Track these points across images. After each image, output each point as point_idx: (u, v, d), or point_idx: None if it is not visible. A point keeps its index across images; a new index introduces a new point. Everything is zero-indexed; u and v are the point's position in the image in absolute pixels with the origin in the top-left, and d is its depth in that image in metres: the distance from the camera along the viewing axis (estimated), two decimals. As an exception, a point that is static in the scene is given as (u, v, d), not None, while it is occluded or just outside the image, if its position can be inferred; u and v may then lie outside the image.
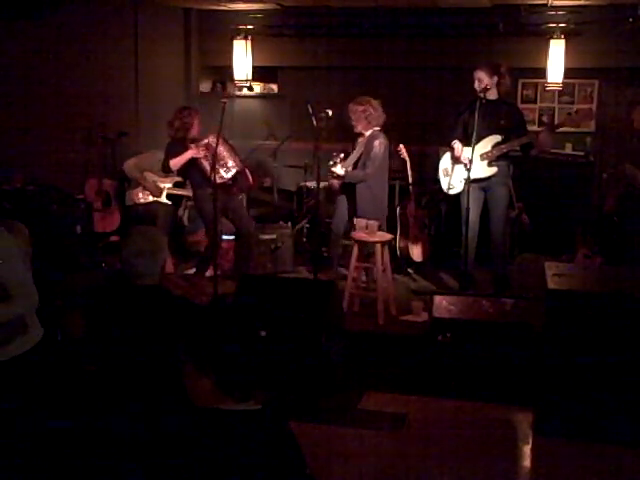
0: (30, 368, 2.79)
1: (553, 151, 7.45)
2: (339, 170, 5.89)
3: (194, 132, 5.90)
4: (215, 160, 5.57)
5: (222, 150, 5.74)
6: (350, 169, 5.94)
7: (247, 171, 6.02)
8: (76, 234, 5.95)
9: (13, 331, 2.80)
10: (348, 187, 6.00)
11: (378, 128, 5.92)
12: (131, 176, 6.62)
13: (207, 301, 5.25)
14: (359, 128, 5.92)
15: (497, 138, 5.60)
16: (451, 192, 5.87)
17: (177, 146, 5.90)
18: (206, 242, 6.29)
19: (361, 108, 5.84)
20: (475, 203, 5.65)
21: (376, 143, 5.83)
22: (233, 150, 5.94)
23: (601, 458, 3.75)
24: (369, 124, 5.88)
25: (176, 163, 5.88)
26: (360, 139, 5.99)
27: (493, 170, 5.64)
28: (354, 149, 6.02)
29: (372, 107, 5.85)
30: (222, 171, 5.79)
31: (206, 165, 5.77)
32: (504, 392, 4.38)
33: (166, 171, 6.07)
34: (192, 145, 5.83)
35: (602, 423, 3.88)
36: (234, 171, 5.85)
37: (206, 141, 5.79)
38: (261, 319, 2.09)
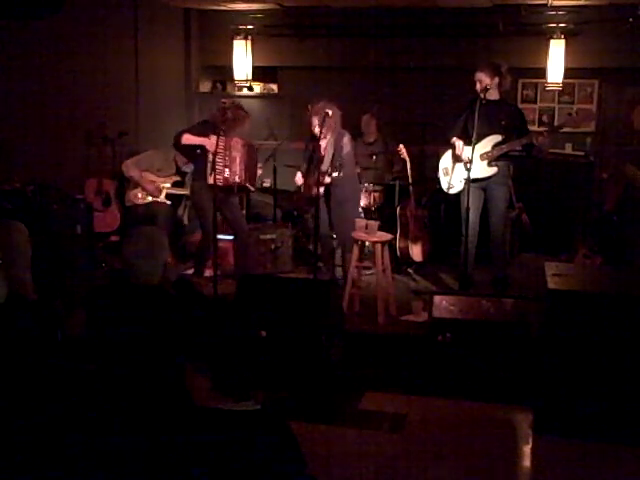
0: None
1: (553, 151, 7.46)
2: (325, 180, 5.81)
3: (234, 131, 5.83)
4: (223, 160, 5.65)
5: (237, 156, 5.76)
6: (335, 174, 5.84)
7: (248, 185, 5.94)
8: (76, 234, 5.94)
9: None
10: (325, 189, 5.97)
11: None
12: (129, 176, 6.62)
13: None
14: (327, 134, 5.81)
15: (497, 138, 5.60)
16: (451, 191, 5.87)
17: (205, 128, 5.88)
18: (201, 241, 6.27)
19: (331, 112, 5.69)
20: (475, 203, 5.65)
21: (345, 140, 5.82)
22: (248, 161, 5.85)
23: (601, 458, 3.75)
24: (337, 127, 5.84)
25: (187, 139, 5.84)
26: (323, 141, 5.85)
27: (493, 170, 5.64)
28: (313, 150, 5.91)
29: (335, 108, 5.77)
30: (226, 173, 5.78)
31: (210, 161, 5.76)
32: (504, 392, 4.38)
33: (176, 139, 5.92)
34: (213, 136, 5.73)
35: (602, 423, 3.88)
36: (235, 180, 5.80)
37: (231, 140, 5.75)
38: (261, 319, 2.09)
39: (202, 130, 5.87)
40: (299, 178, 6.09)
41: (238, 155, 5.76)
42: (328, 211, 5.99)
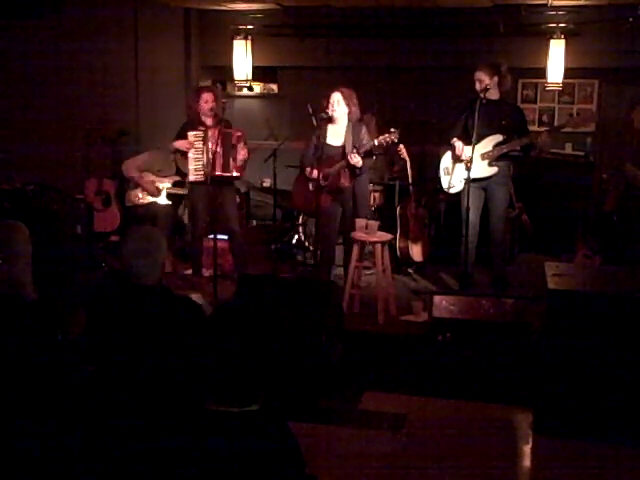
0: None
1: (553, 151, 7.47)
2: (360, 161, 5.47)
3: (205, 109, 5.85)
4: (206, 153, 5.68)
5: (212, 147, 5.73)
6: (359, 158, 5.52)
7: (222, 173, 5.81)
8: (76, 234, 5.95)
9: None
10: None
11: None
12: (129, 177, 6.62)
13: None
14: (349, 115, 5.63)
15: (498, 138, 5.60)
16: (451, 191, 5.87)
17: (183, 129, 5.96)
18: (191, 240, 6.27)
19: (354, 95, 5.65)
20: (475, 203, 5.65)
21: (364, 131, 5.65)
22: (224, 149, 5.77)
23: (601, 458, 3.75)
24: (356, 114, 5.67)
25: (179, 145, 5.97)
26: (334, 128, 5.66)
27: (493, 170, 5.63)
28: (319, 142, 5.62)
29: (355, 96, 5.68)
30: (206, 167, 5.78)
31: (189, 158, 5.85)
32: (504, 392, 4.38)
33: (175, 157, 6.16)
34: (191, 134, 5.83)
35: (602, 423, 3.88)
36: (213, 172, 5.72)
37: (207, 132, 5.78)
38: (261, 319, 2.09)
39: (184, 132, 5.94)
40: (312, 173, 5.64)
41: (213, 145, 5.75)
42: (344, 208, 5.74)
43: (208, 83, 8.92)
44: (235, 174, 5.94)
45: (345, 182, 5.61)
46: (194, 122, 5.94)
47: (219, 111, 5.92)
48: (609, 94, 7.75)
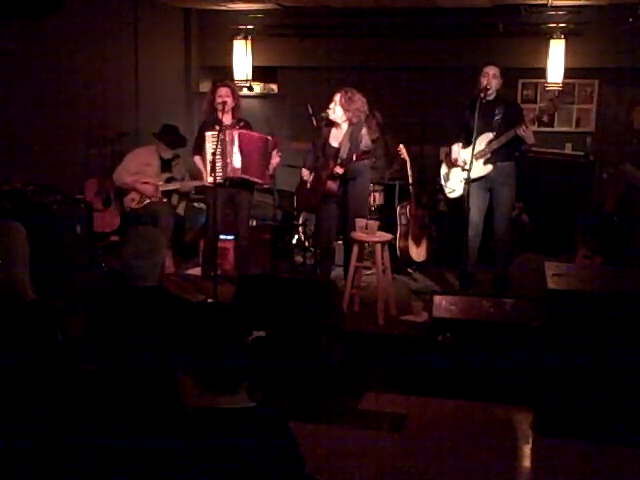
0: None
1: (553, 151, 7.46)
2: (339, 170, 5.52)
3: (217, 102, 5.66)
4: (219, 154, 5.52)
5: (232, 147, 5.59)
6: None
7: (249, 177, 5.74)
8: (76, 234, 5.93)
9: None
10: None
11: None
12: (123, 183, 6.53)
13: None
14: (351, 120, 5.58)
15: (489, 136, 5.59)
16: (452, 195, 5.87)
17: (200, 129, 5.87)
18: (206, 242, 6.23)
19: (356, 98, 5.59)
20: (479, 204, 5.65)
21: (363, 132, 5.62)
22: (247, 151, 5.67)
23: (601, 458, 3.75)
24: (356, 117, 5.61)
25: (197, 160, 5.92)
26: (336, 130, 5.66)
27: (488, 168, 5.62)
28: (322, 142, 5.66)
29: (362, 99, 5.62)
30: (228, 167, 5.64)
31: (205, 160, 5.71)
32: (504, 392, 4.38)
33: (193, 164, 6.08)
34: (208, 133, 5.65)
35: (602, 423, 3.88)
36: (233, 174, 5.63)
37: (224, 132, 5.55)
38: (261, 319, 2.09)
39: (200, 133, 5.83)
40: (305, 173, 5.78)
41: (233, 146, 5.61)
42: (341, 211, 5.74)
43: (208, 83, 8.91)
44: (260, 181, 5.81)
45: (332, 187, 5.60)
46: (210, 120, 5.77)
47: (237, 109, 5.80)
48: (609, 94, 7.74)
